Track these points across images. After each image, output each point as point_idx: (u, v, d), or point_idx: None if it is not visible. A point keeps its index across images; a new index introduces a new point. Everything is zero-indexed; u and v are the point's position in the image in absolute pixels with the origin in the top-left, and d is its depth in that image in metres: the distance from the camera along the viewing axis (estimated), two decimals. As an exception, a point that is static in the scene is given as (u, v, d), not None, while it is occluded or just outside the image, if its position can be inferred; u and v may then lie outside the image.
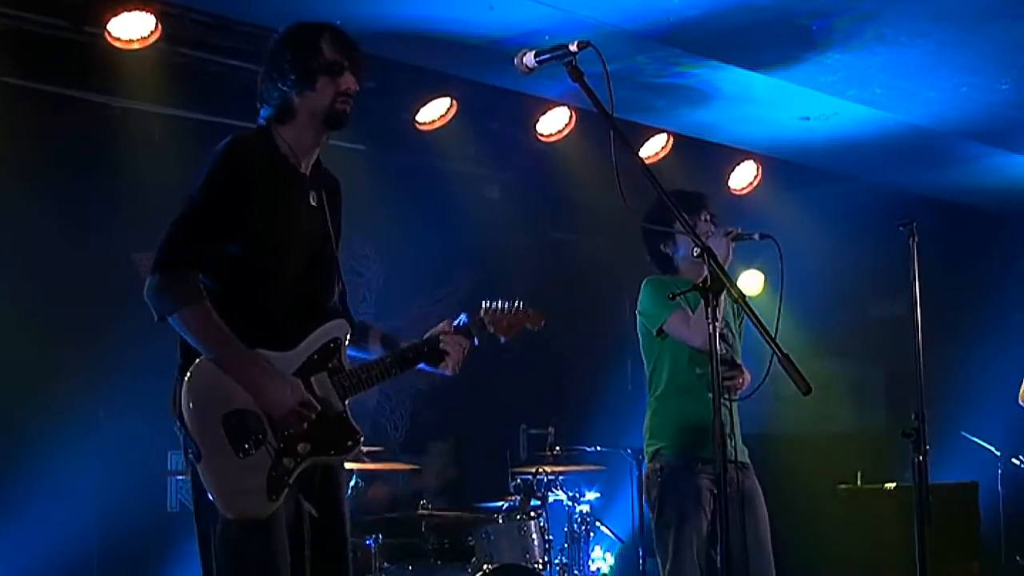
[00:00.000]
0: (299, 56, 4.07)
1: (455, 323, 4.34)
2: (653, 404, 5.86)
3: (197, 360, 3.86)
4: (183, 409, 3.83)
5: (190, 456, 3.84)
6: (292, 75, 4.05)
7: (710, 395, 5.50)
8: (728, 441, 5.54)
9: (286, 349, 3.97)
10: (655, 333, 5.75)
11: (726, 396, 5.54)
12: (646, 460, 5.84)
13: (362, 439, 4.11)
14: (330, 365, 4.05)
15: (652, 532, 5.73)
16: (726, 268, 5.33)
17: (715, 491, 5.52)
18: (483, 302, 4.44)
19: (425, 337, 4.29)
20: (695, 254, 3.74)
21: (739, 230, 5.52)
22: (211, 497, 3.80)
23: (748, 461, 5.80)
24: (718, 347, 5.43)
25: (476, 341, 4.36)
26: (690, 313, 5.57)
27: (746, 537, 5.51)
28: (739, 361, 5.70)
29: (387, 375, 4.17)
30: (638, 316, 5.94)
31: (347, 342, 4.14)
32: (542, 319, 4.57)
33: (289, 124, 4.09)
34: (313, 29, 4.13)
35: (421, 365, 4.28)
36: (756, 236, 5.46)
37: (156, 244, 3.88)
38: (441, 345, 4.25)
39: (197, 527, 3.93)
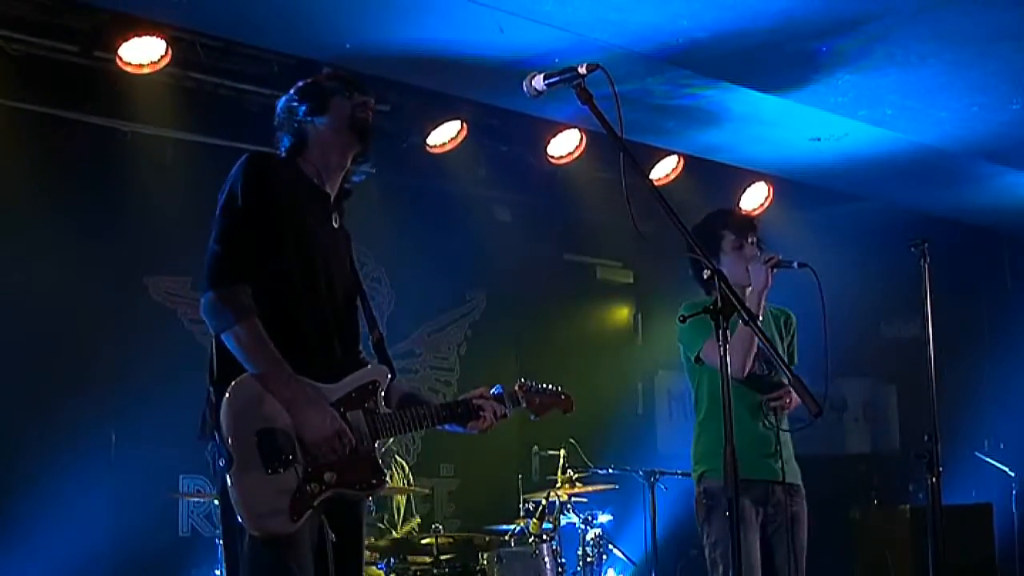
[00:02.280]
0: (306, 91, 4.25)
1: (492, 391, 4.44)
2: (697, 429, 5.74)
3: (239, 377, 3.90)
4: (222, 421, 3.86)
5: (221, 465, 3.87)
6: (304, 105, 4.20)
7: (752, 420, 5.52)
8: (774, 462, 5.53)
9: (326, 381, 4.05)
10: (694, 360, 5.70)
11: (772, 417, 5.52)
12: (694, 481, 5.73)
13: (385, 480, 4.18)
14: (366, 405, 4.12)
15: (707, 555, 5.63)
16: (766, 294, 5.41)
17: (761, 513, 5.50)
18: (520, 379, 4.58)
19: (460, 399, 4.40)
20: (705, 276, 3.72)
21: (779, 257, 5.50)
22: (237, 511, 3.84)
23: (799, 483, 5.68)
24: (754, 367, 5.45)
25: (508, 413, 4.47)
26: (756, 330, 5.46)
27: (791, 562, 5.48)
28: (785, 381, 5.61)
29: (419, 426, 4.28)
30: (678, 340, 5.77)
31: (384, 388, 4.22)
32: (572, 406, 4.74)
33: (310, 149, 4.20)
34: (314, 75, 4.34)
35: (449, 426, 4.38)
36: (795, 264, 5.43)
37: (203, 262, 3.95)
38: (477, 402, 4.36)
39: (224, 543, 4.01)
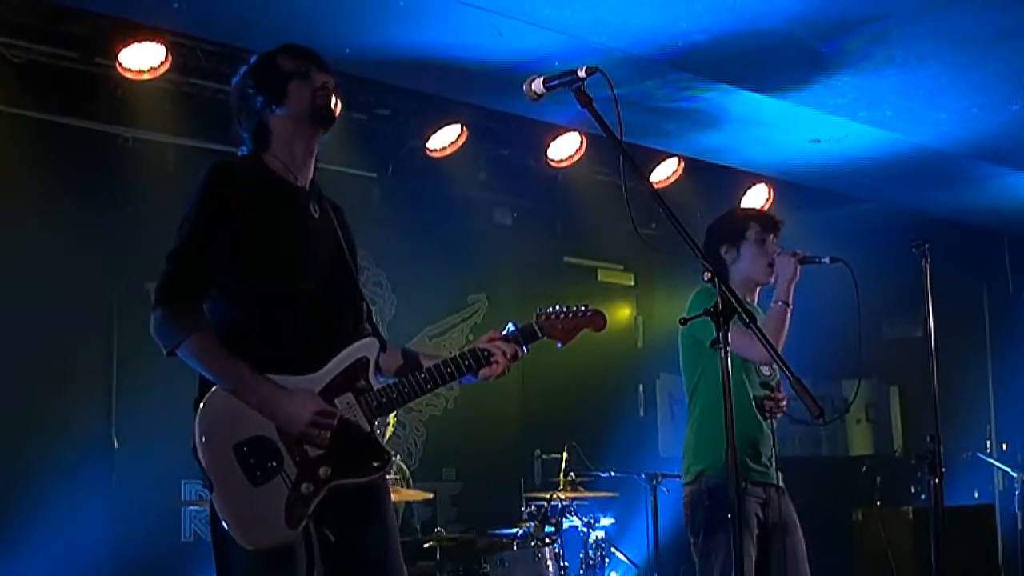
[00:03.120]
0: (260, 77, 4.08)
1: (503, 332, 4.15)
2: (696, 421, 5.58)
3: (210, 391, 3.81)
4: (195, 440, 3.78)
5: (205, 487, 3.79)
6: (260, 95, 4.04)
7: (759, 418, 5.49)
8: (773, 464, 5.50)
9: (310, 371, 3.90)
10: (708, 344, 5.59)
11: (769, 418, 5.50)
12: (687, 481, 5.57)
13: (391, 460, 3.99)
14: (357, 385, 3.94)
15: (695, 557, 5.47)
16: (793, 285, 5.39)
17: (761, 516, 5.44)
18: (538, 308, 4.23)
19: (466, 350, 4.08)
20: (705, 278, 3.71)
21: (806, 253, 5.48)
22: (231, 532, 3.72)
23: (783, 486, 5.60)
24: (772, 369, 5.44)
25: (527, 349, 4.15)
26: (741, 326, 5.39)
27: (786, 564, 5.44)
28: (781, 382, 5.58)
29: (421, 392, 4.00)
30: (682, 327, 5.46)
31: (376, 361, 4.00)
32: (605, 323, 4.31)
33: (273, 143, 4.04)
34: (265, 53, 4.16)
35: (462, 379, 4.09)
36: (826, 260, 5.42)
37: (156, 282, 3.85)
38: (485, 347, 4.06)
39: (215, 558, 3.85)
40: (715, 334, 5.39)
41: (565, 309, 4.23)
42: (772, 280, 5.52)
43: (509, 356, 4.07)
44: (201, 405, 3.80)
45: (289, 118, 4.02)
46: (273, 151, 4.03)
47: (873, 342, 11.68)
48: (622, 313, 11.30)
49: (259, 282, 3.87)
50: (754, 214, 5.87)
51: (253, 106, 4.05)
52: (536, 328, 4.17)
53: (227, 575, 3.82)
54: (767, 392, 5.51)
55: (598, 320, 4.29)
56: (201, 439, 3.78)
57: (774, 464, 5.52)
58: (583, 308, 4.27)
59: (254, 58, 4.17)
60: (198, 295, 3.84)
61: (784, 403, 5.49)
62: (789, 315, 5.39)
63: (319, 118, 4.03)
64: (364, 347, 4.00)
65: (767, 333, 5.04)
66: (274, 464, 3.77)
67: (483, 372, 4.06)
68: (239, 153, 4.12)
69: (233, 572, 3.80)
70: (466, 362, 4.05)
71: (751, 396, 5.49)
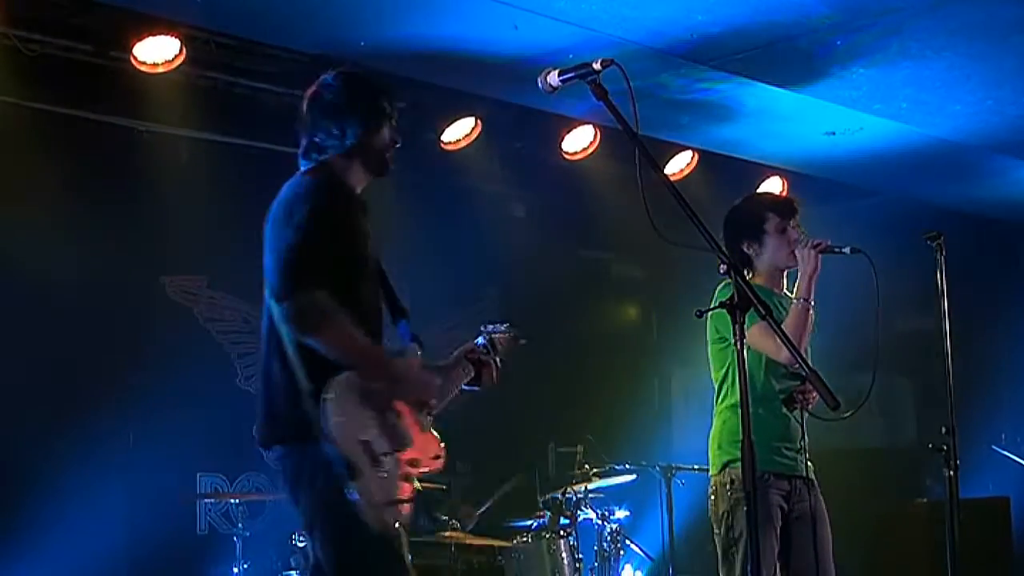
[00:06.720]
0: (371, 102, 4.46)
1: (478, 343, 4.68)
2: (723, 413, 5.57)
3: (334, 381, 3.97)
4: (333, 429, 3.93)
5: (340, 473, 3.93)
6: (362, 117, 4.41)
7: (784, 409, 5.46)
8: (800, 456, 5.48)
9: None
10: (732, 340, 5.55)
11: (798, 409, 5.48)
12: (712, 472, 5.57)
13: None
14: None
15: (719, 548, 5.48)
16: (816, 278, 5.37)
17: (785, 508, 5.43)
18: (482, 326, 4.78)
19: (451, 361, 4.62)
20: (721, 271, 3.70)
21: (828, 242, 5.44)
22: (363, 513, 3.95)
23: (814, 478, 5.58)
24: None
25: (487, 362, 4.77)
26: (762, 325, 5.33)
27: (817, 557, 5.42)
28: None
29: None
30: (709, 319, 5.57)
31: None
32: (518, 340, 4.88)
33: (350, 161, 4.37)
34: (377, 84, 4.57)
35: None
36: (847, 250, 5.36)
37: (277, 274, 4.04)
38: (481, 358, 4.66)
39: (332, 540, 4.07)
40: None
41: (499, 329, 4.87)
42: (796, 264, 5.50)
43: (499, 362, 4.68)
44: (331, 395, 3.96)
45: (368, 147, 4.45)
46: (346, 166, 4.39)
47: (888, 334, 11.65)
48: (637, 307, 11.30)
49: (344, 283, 4.15)
50: (769, 202, 5.80)
51: (356, 119, 4.40)
52: (495, 343, 4.83)
53: (349, 557, 4.06)
54: (797, 383, 5.46)
55: (513, 341, 4.91)
56: (340, 427, 3.97)
57: (803, 456, 5.49)
58: (505, 330, 4.89)
59: (366, 80, 4.56)
60: (322, 283, 4.02)
61: (814, 394, 5.44)
62: (811, 313, 5.37)
63: (379, 168, 4.57)
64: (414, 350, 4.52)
65: (790, 332, 4.97)
66: (386, 456, 4.10)
67: (481, 383, 4.73)
68: (320, 155, 4.39)
69: (356, 553, 4.06)
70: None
71: (777, 388, 5.46)
